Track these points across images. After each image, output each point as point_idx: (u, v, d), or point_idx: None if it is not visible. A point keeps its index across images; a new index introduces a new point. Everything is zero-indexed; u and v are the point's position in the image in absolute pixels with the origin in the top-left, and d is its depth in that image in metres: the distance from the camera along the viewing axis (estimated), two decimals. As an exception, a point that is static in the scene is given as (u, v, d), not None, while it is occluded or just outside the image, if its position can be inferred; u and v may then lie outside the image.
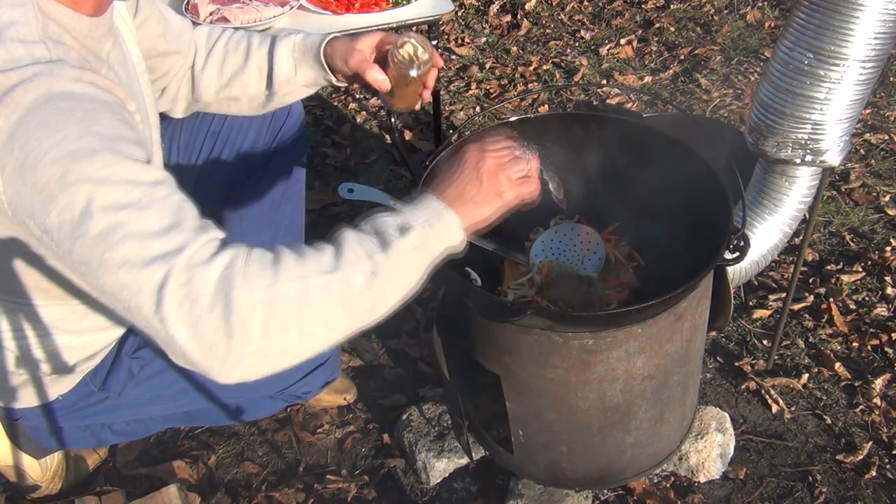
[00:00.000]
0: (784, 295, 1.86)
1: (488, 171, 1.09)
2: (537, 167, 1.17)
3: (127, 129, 0.97)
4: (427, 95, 1.35)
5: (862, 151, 2.66)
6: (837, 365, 1.92)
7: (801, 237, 1.79)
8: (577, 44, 3.44)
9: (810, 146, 1.50)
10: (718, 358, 1.97)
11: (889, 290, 2.11)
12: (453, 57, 3.39)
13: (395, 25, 2.07)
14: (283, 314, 0.89)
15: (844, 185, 2.51)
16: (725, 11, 3.58)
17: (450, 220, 1.03)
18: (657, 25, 3.50)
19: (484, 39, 3.52)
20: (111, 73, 1.15)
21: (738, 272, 1.78)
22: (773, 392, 1.86)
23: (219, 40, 1.48)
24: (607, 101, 3.03)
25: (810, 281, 2.16)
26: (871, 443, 1.75)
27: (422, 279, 1.00)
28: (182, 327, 0.86)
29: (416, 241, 0.98)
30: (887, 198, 2.45)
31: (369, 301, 0.95)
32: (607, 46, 3.37)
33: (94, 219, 0.88)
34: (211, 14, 2.01)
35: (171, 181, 0.96)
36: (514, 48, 3.43)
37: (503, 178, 1.09)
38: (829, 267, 2.21)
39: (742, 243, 1.24)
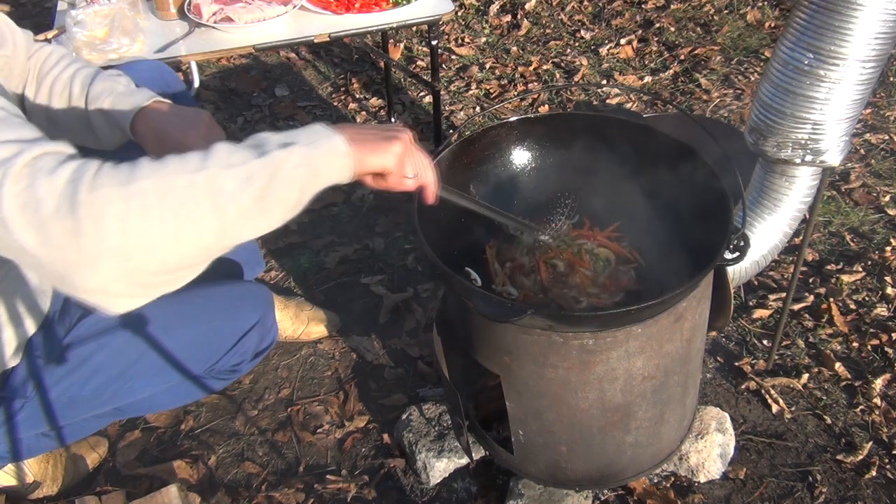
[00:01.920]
0: (784, 295, 1.86)
1: (394, 136, 1.07)
2: (434, 179, 1.18)
3: None
4: None
5: (862, 151, 2.67)
6: (837, 365, 1.92)
7: (801, 237, 1.79)
8: (577, 44, 3.44)
9: (810, 146, 1.50)
10: (718, 358, 1.97)
11: (889, 290, 2.11)
12: (453, 57, 3.39)
13: (395, 25, 2.07)
14: (143, 209, 0.82)
15: (844, 185, 2.52)
16: (725, 11, 3.58)
17: (337, 143, 0.98)
18: (657, 25, 3.50)
19: (484, 39, 3.52)
20: None
21: (738, 272, 1.78)
22: (773, 392, 1.86)
23: (45, 77, 1.40)
24: (607, 101, 3.03)
25: (810, 281, 2.16)
26: (871, 443, 1.75)
27: (305, 199, 0.95)
28: (28, 232, 0.80)
29: (299, 158, 0.93)
30: (887, 198, 2.45)
31: (243, 207, 0.88)
32: (607, 46, 3.37)
33: None
34: (214, 14, 2.01)
35: (14, 109, 0.93)
36: (514, 48, 3.43)
37: (400, 146, 1.07)
38: (829, 267, 2.21)
39: (742, 243, 1.24)
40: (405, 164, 1.10)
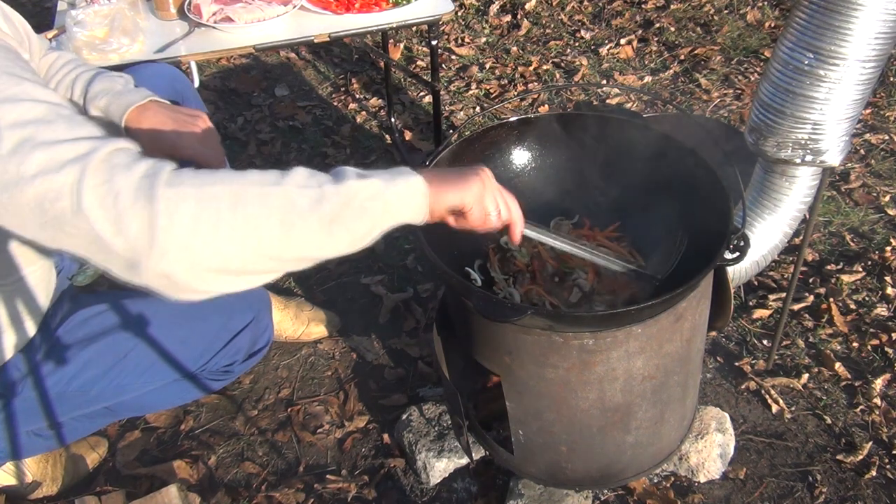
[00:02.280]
0: (784, 295, 1.86)
1: (472, 173, 1.08)
2: (519, 216, 1.16)
3: (21, 62, 0.98)
4: None
5: (862, 151, 2.67)
6: (837, 365, 1.92)
7: (801, 237, 1.79)
8: (577, 44, 3.44)
9: (810, 146, 1.50)
10: (718, 358, 1.97)
11: (889, 290, 2.11)
12: (453, 57, 3.39)
13: (395, 25, 2.07)
14: (215, 211, 0.86)
15: (844, 185, 2.52)
16: (725, 11, 3.58)
17: (414, 182, 0.99)
18: (657, 25, 3.50)
19: (484, 39, 3.52)
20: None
21: (738, 272, 1.78)
22: (773, 392, 1.86)
23: (50, 81, 1.43)
24: (607, 101, 3.03)
25: (810, 281, 2.16)
26: (871, 443, 1.75)
27: (374, 235, 0.96)
28: (106, 222, 0.84)
29: (374, 191, 0.94)
30: (887, 198, 2.45)
31: (310, 227, 0.90)
32: (607, 46, 3.37)
33: (3, 137, 0.87)
34: (214, 14, 2.01)
35: (74, 109, 0.96)
36: (514, 48, 3.43)
37: (478, 183, 1.07)
38: (829, 267, 2.21)
39: (742, 243, 1.24)
40: (485, 200, 1.09)
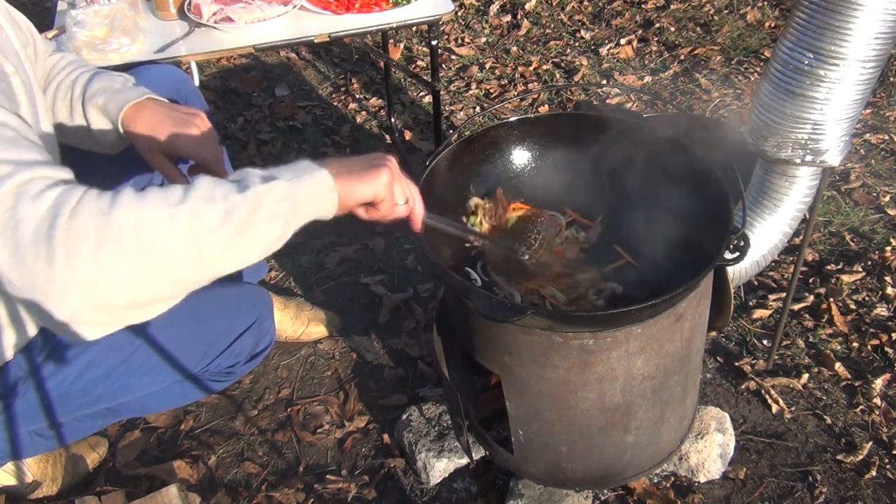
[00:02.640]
0: (784, 295, 1.86)
1: (380, 164, 1.07)
2: (421, 206, 1.18)
3: None
4: None
5: (862, 151, 2.67)
6: (837, 365, 1.92)
7: (801, 237, 1.79)
8: (577, 44, 3.44)
9: (810, 146, 1.50)
10: (718, 358, 1.97)
11: (889, 290, 2.11)
12: (453, 57, 3.39)
13: (395, 25, 2.07)
14: (118, 241, 0.82)
15: (844, 185, 2.52)
16: (725, 11, 3.58)
17: (320, 178, 0.97)
18: (657, 25, 3.50)
19: (484, 39, 3.52)
20: None
21: (738, 272, 1.77)
22: (773, 392, 1.86)
23: (51, 83, 1.43)
24: (607, 101, 3.03)
25: (810, 281, 2.16)
26: (871, 443, 1.75)
27: (288, 234, 0.95)
28: (3, 252, 0.80)
29: (281, 193, 0.92)
30: (887, 198, 2.45)
31: (222, 241, 0.88)
32: (607, 46, 3.37)
33: None
34: (214, 14, 2.01)
35: (27, 130, 0.94)
36: (514, 48, 3.43)
37: (387, 173, 1.06)
38: (829, 267, 2.21)
39: (742, 243, 1.24)
40: (394, 191, 1.09)
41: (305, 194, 0.96)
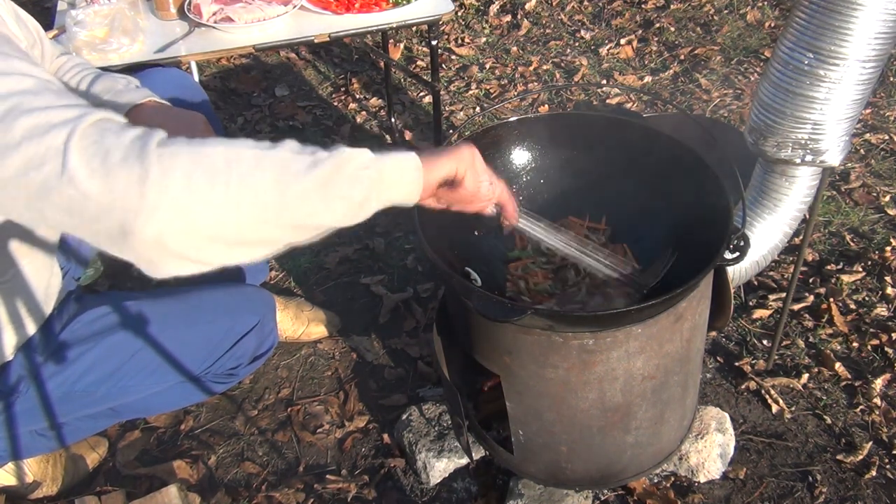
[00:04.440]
0: (784, 295, 1.86)
1: (464, 144, 1.09)
2: (507, 192, 1.19)
3: (14, 46, 0.97)
4: None
5: (862, 151, 2.67)
6: (837, 365, 1.92)
7: (801, 237, 1.79)
8: (577, 44, 3.44)
9: (810, 146, 1.50)
10: (718, 358, 1.97)
11: (889, 290, 2.11)
12: (453, 57, 3.39)
13: (395, 25, 2.07)
14: (209, 169, 0.83)
15: (844, 185, 2.52)
16: (725, 11, 3.58)
17: (407, 156, 0.99)
18: (657, 25, 3.50)
19: (484, 39, 3.52)
20: None
21: (738, 272, 1.78)
22: (773, 392, 1.86)
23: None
24: (607, 101, 3.03)
25: (810, 281, 2.16)
26: (871, 443, 1.75)
27: (370, 206, 0.95)
28: (93, 181, 0.80)
29: (367, 160, 0.94)
30: (887, 198, 2.45)
31: (305, 189, 0.88)
32: (607, 46, 3.37)
33: None
34: (214, 14, 2.01)
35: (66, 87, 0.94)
36: (514, 48, 3.43)
37: (468, 150, 1.08)
38: (829, 267, 2.21)
39: (742, 243, 1.24)
40: (477, 166, 1.10)
41: (391, 167, 0.97)
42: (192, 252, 0.84)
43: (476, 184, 1.11)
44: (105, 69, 1.49)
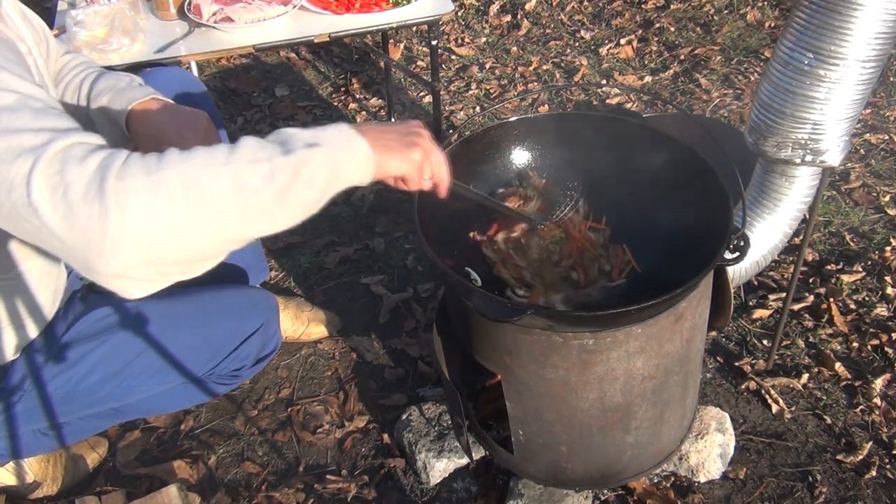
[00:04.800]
0: (784, 295, 1.86)
1: (414, 142, 1.09)
2: (448, 176, 1.19)
3: (12, 54, 0.98)
4: None
5: (862, 151, 2.67)
6: (837, 365, 1.92)
7: (801, 237, 1.79)
8: (577, 44, 3.44)
9: (810, 146, 1.50)
10: (718, 358, 1.97)
11: (889, 290, 2.11)
12: (453, 57, 3.39)
13: (395, 25, 2.07)
14: (168, 199, 0.84)
15: (844, 185, 2.52)
16: (725, 11, 3.58)
17: (360, 146, 1.00)
18: (657, 25, 3.50)
19: (484, 39, 3.52)
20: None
21: (738, 272, 1.78)
22: (773, 392, 1.86)
23: (61, 81, 1.45)
24: (607, 101, 3.03)
25: (810, 281, 2.16)
26: (871, 443, 1.75)
27: (325, 199, 0.97)
28: (55, 215, 0.82)
29: (322, 159, 0.95)
30: (887, 198, 2.45)
31: (264, 202, 0.90)
32: (607, 46, 3.37)
33: None
34: (214, 14, 2.01)
35: (53, 101, 0.96)
36: (514, 48, 3.43)
37: (419, 154, 1.09)
38: (829, 267, 2.21)
39: (742, 243, 1.24)
40: (423, 170, 1.12)
41: (346, 162, 0.98)
42: (156, 277, 0.88)
43: (417, 184, 1.14)
44: (106, 69, 1.48)
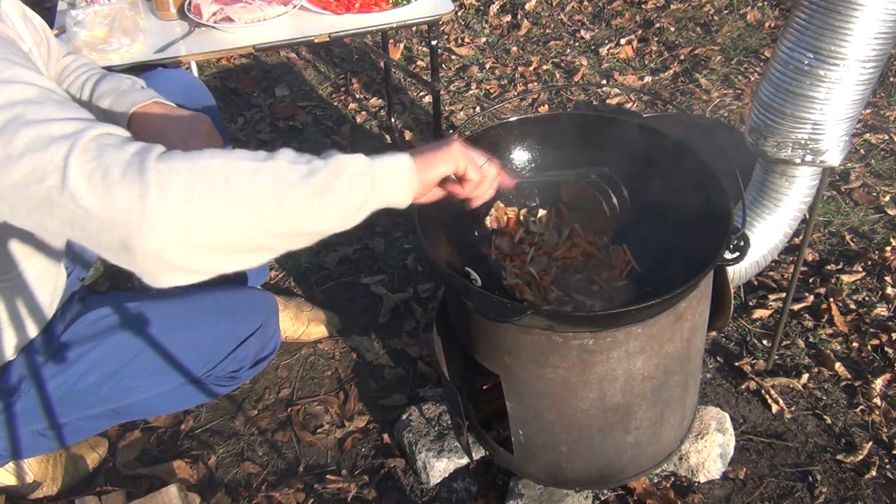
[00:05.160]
0: (784, 295, 1.86)
1: (451, 141, 1.12)
2: (498, 165, 1.22)
3: (19, 51, 0.99)
4: None
5: (862, 151, 2.67)
6: (837, 365, 1.92)
7: (801, 237, 1.79)
8: (577, 44, 3.44)
9: (810, 146, 1.50)
10: (718, 358, 1.97)
11: (889, 290, 2.11)
12: (453, 57, 3.39)
13: (395, 25, 2.07)
14: (208, 182, 0.85)
15: (844, 185, 2.52)
16: (725, 11, 3.58)
17: (399, 158, 1.02)
18: (657, 25, 3.50)
19: (484, 39, 3.52)
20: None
21: (738, 272, 1.78)
22: (773, 392, 1.86)
23: (63, 83, 1.45)
24: (607, 101, 3.03)
25: (810, 281, 2.16)
26: (871, 443, 1.75)
27: (365, 210, 0.98)
28: (93, 197, 0.82)
29: (362, 166, 0.96)
30: (887, 198, 2.45)
31: (303, 197, 0.91)
32: (607, 46, 3.37)
33: None
34: (214, 14, 2.01)
35: (68, 97, 0.96)
36: (514, 48, 3.43)
37: (457, 145, 1.11)
38: (829, 267, 2.21)
39: (742, 243, 1.24)
40: (473, 158, 1.13)
41: (385, 170, 0.99)
42: (191, 263, 0.87)
43: (479, 172, 1.15)
44: (106, 69, 1.49)
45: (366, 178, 0.96)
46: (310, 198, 0.91)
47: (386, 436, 1.84)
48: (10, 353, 1.34)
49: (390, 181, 1.01)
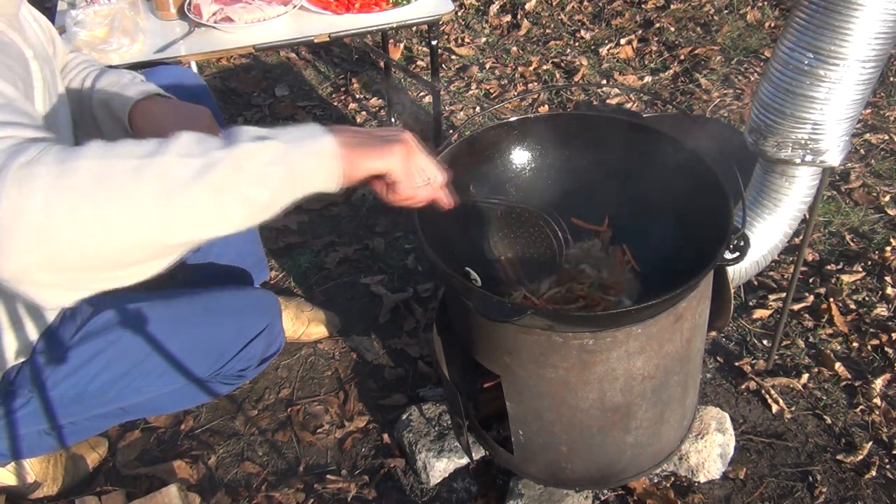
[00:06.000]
0: (784, 295, 1.86)
1: (393, 138, 0.97)
2: (444, 180, 1.08)
3: (2, 55, 0.93)
4: None
5: (862, 151, 2.67)
6: (837, 365, 1.92)
7: (801, 237, 1.79)
8: (577, 44, 3.44)
9: (810, 146, 1.50)
10: (718, 358, 1.97)
11: (889, 290, 2.11)
12: (453, 57, 3.39)
13: (395, 25, 2.07)
14: (73, 188, 0.72)
15: (844, 185, 2.52)
16: (725, 11, 3.58)
17: (324, 144, 0.87)
18: (657, 25, 3.50)
19: (484, 39, 3.52)
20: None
21: (738, 272, 1.78)
22: (773, 392, 1.86)
23: (64, 79, 1.44)
24: (607, 101, 3.03)
25: (810, 281, 2.16)
26: (871, 443, 1.75)
27: (280, 203, 0.84)
28: None
29: (274, 155, 0.82)
30: (887, 198, 2.45)
31: (194, 199, 0.77)
32: (607, 46, 3.37)
33: None
34: (214, 14, 2.01)
35: (21, 101, 0.89)
36: (514, 48, 3.43)
37: (401, 148, 0.96)
38: (829, 267, 2.21)
39: (742, 243, 1.24)
40: (412, 170, 0.99)
41: (303, 160, 0.85)
42: (66, 283, 0.77)
43: (412, 187, 1.00)
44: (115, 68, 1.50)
45: (278, 169, 0.83)
46: (203, 197, 0.77)
47: (386, 436, 1.84)
48: (17, 357, 1.35)
49: (310, 171, 0.86)
